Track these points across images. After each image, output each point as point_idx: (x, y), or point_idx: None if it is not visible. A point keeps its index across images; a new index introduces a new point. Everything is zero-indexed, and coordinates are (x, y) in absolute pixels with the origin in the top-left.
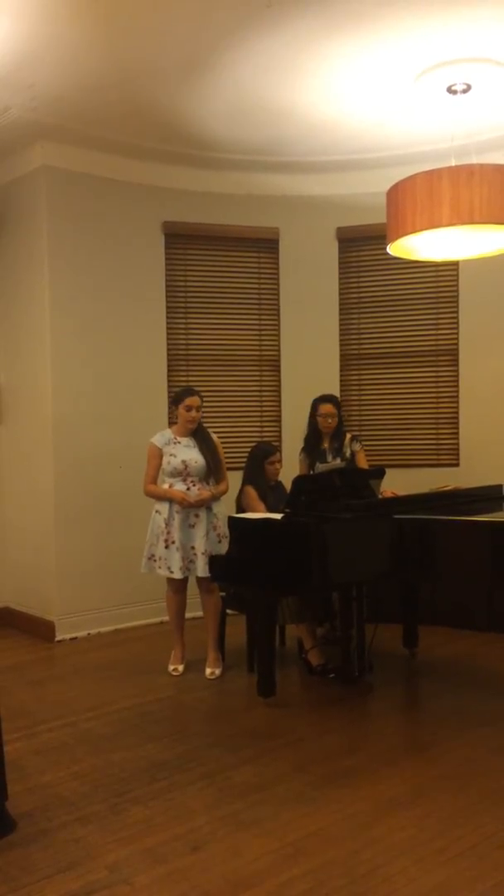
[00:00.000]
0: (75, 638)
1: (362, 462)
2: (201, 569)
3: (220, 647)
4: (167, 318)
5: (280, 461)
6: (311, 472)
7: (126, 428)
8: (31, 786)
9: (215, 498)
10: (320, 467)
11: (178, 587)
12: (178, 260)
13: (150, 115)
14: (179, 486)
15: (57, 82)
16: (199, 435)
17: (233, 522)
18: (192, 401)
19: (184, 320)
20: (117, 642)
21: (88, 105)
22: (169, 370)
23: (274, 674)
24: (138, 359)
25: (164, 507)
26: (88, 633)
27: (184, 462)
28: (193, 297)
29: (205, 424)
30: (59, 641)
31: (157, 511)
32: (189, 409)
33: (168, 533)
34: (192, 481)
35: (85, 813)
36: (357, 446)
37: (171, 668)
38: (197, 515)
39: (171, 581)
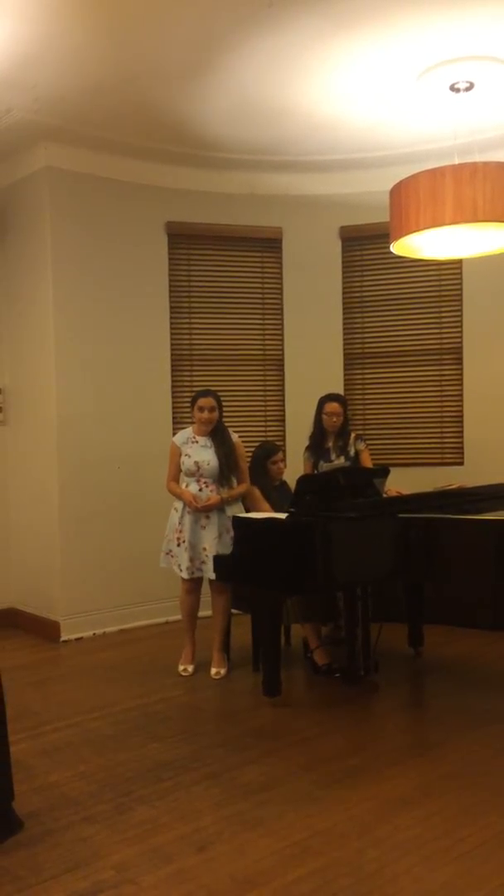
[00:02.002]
0: (80, 638)
1: (366, 461)
2: (211, 571)
3: (226, 647)
4: (170, 318)
5: (283, 461)
6: (315, 471)
7: (130, 428)
8: (38, 786)
9: (228, 502)
10: (324, 466)
11: (189, 587)
12: (181, 260)
13: (152, 115)
14: (193, 487)
15: (59, 83)
16: (218, 436)
17: (237, 522)
18: (205, 401)
19: (187, 320)
20: (122, 642)
21: (91, 106)
22: (172, 370)
23: (279, 673)
24: (142, 359)
25: (180, 506)
26: (94, 634)
27: (196, 463)
28: (197, 296)
29: (226, 424)
30: (64, 641)
31: (174, 508)
32: (202, 409)
33: (180, 532)
34: (205, 482)
35: (91, 813)
36: (361, 445)
37: (180, 667)
38: (207, 517)
39: (183, 581)
